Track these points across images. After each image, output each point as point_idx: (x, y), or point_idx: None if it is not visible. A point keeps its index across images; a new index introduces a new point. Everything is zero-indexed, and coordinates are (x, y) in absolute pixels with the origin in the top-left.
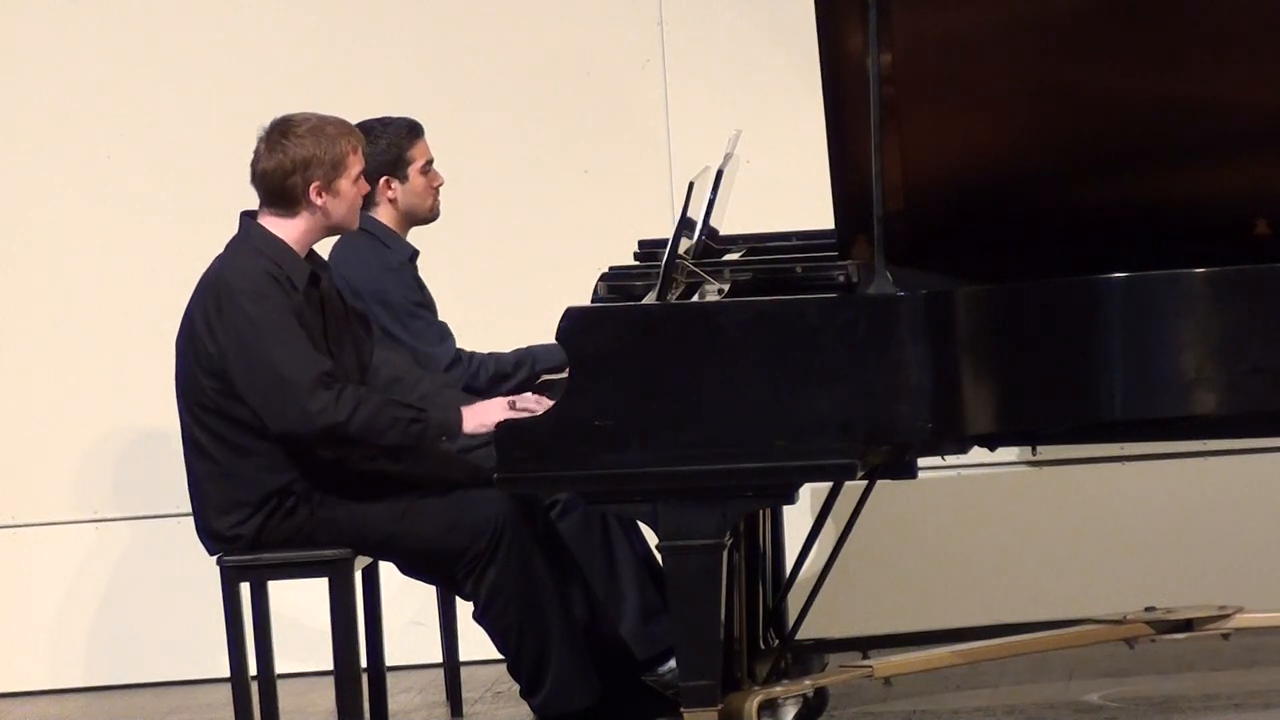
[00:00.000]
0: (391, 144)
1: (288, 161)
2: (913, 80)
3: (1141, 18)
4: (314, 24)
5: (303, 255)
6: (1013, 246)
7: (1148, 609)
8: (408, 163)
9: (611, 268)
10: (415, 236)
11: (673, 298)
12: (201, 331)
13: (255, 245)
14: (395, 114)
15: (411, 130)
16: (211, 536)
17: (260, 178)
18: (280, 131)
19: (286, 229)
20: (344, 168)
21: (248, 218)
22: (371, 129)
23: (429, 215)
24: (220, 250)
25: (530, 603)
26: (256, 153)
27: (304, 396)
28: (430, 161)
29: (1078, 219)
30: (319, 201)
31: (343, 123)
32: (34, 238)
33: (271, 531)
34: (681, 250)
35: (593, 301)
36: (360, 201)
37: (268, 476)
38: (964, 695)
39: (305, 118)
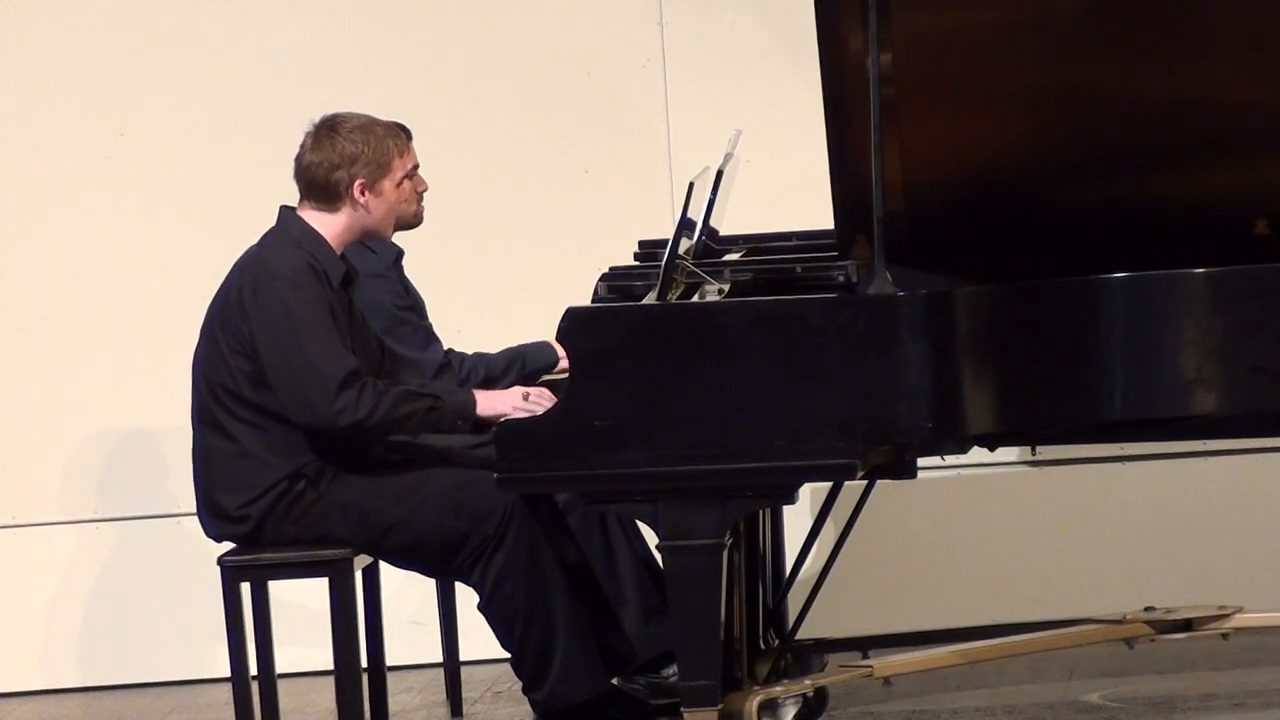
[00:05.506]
0: None
1: (335, 156)
2: (913, 80)
3: (1141, 18)
4: (313, 24)
5: (338, 253)
6: (1013, 246)
7: (1148, 609)
8: None
9: (611, 268)
10: (412, 237)
11: (673, 298)
12: (234, 311)
13: (295, 237)
14: (394, 113)
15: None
16: (217, 517)
17: (304, 171)
18: (329, 127)
19: (326, 224)
20: (389, 169)
21: (287, 210)
22: None
23: (413, 220)
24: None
25: (537, 587)
26: (302, 147)
27: (329, 395)
28: (416, 166)
29: (1077, 219)
30: (361, 199)
31: (391, 126)
32: (30, 239)
33: (280, 514)
34: (681, 250)
35: (593, 301)
36: (399, 208)
37: (284, 457)
38: (964, 695)
39: (355, 116)
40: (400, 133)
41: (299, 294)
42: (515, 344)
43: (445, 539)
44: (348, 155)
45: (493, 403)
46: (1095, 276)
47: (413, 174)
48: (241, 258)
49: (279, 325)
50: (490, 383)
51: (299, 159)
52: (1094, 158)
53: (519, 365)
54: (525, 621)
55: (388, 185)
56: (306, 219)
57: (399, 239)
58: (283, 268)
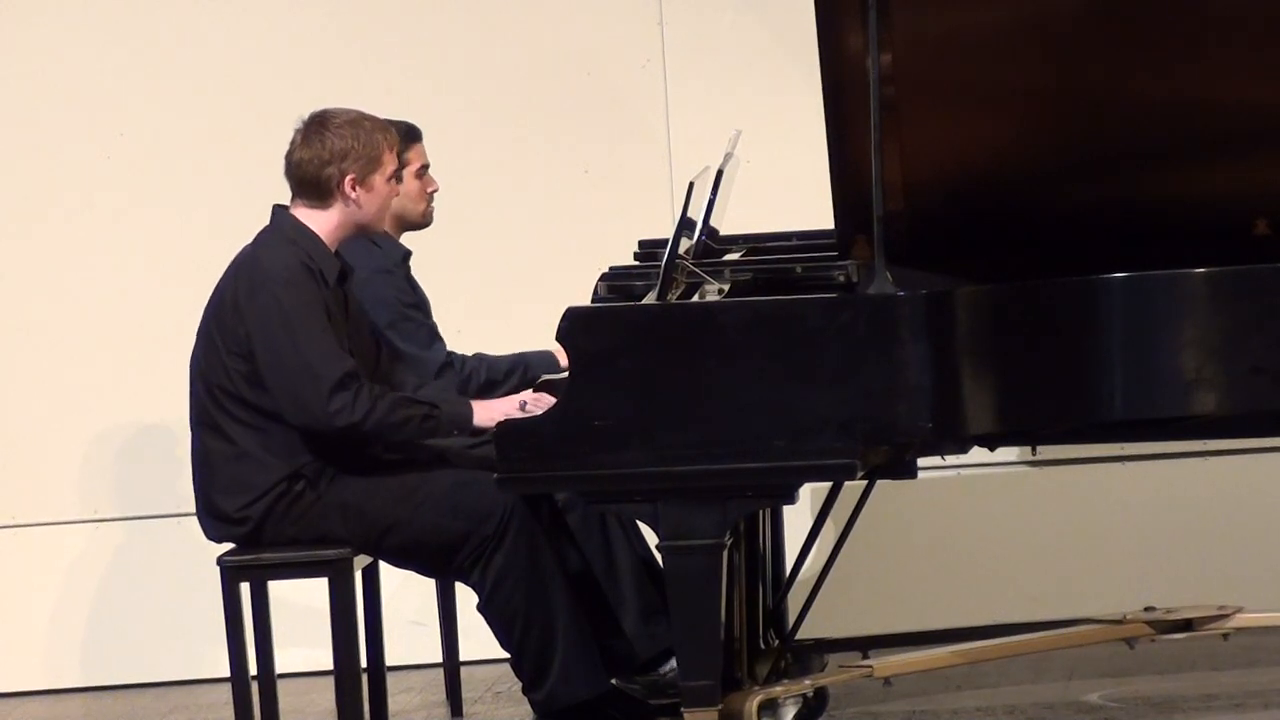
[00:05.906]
0: None
1: (325, 152)
2: (913, 80)
3: (1141, 18)
4: (313, 25)
5: (332, 250)
6: (1013, 246)
7: (1148, 609)
8: (403, 165)
9: (611, 268)
10: (413, 237)
11: (673, 298)
12: (229, 313)
13: (289, 235)
14: (395, 114)
15: (409, 134)
16: (217, 518)
17: (295, 168)
18: (319, 123)
19: (318, 221)
20: (379, 164)
21: (280, 209)
22: None
23: (422, 220)
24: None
25: (536, 588)
26: (292, 144)
27: (324, 396)
28: (426, 166)
29: (1077, 218)
30: (353, 195)
31: (380, 120)
32: (30, 239)
33: (279, 515)
34: (681, 250)
35: (593, 301)
36: (390, 202)
37: (282, 458)
38: (964, 695)
39: (344, 111)
40: (389, 128)
41: (294, 294)
42: (516, 344)
43: (444, 539)
44: (338, 151)
45: (490, 412)
46: (1095, 276)
47: (422, 174)
48: (237, 257)
49: (275, 326)
50: (492, 386)
51: (289, 156)
52: (1094, 158)
53: (521, 371)
54: (525, 622)
55: (378, 180)
56: (299, 217)
57: (407, 240)
58: (277, 267)
